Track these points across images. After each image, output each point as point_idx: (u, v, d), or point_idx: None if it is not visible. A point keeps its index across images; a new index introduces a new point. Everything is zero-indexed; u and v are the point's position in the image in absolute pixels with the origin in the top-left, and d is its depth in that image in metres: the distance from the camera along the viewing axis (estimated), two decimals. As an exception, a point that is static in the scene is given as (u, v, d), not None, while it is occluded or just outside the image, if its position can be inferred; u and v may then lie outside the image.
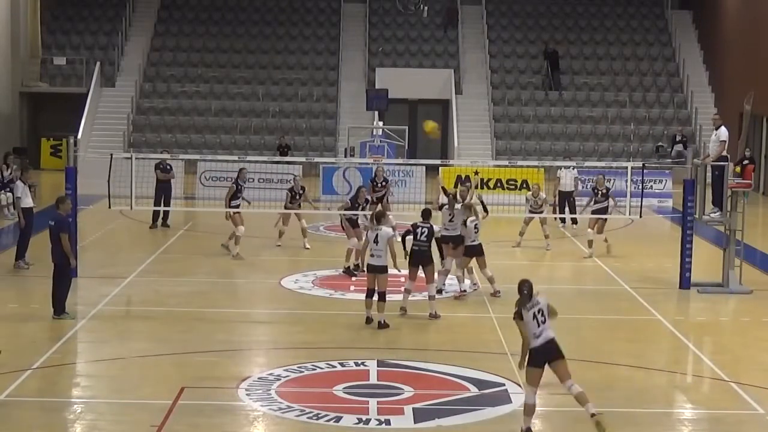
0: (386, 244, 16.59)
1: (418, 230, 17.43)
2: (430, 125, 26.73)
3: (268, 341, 16.37)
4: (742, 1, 41.46)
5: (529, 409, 11.70)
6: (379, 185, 24.09)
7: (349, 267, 20.90)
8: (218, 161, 32.75)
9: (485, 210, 20.18)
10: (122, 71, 43.39)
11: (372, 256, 16.66)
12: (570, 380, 11.54)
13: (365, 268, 16.78)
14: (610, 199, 23.30)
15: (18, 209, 21.31)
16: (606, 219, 23.39)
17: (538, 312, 11.55)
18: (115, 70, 43.18)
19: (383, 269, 16.56)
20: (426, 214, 17.69)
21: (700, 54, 44.80)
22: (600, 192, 23.41)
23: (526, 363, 11.68)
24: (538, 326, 11.52)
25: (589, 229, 23.40)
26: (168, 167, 26.94)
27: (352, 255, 20.94)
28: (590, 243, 23.30)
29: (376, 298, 16.60)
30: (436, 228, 17.86)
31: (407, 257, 17.51)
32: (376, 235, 16.62)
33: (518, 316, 11.67)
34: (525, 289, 11.64)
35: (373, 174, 24.54)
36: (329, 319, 17.41)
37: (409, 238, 17.57)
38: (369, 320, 16.70)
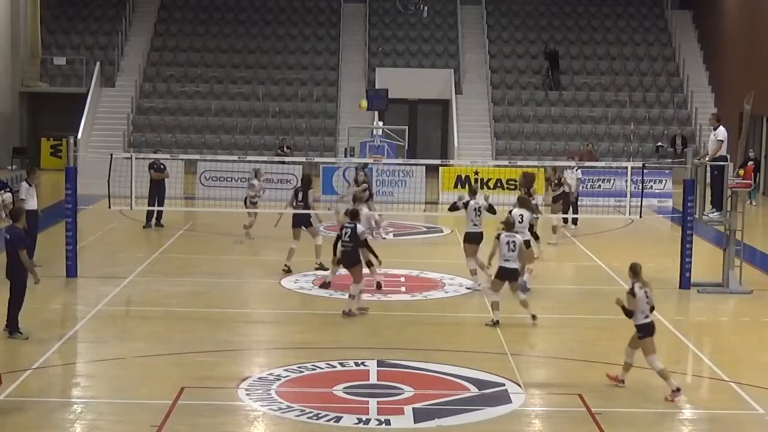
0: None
1: (343, 231, 17.48)
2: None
3: (268, 341, 16.36)
4: (742, 1, 41.44)
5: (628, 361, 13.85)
6: None
7: None
8: (218, 161, 32.78)
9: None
10: (122, 71, 43.38)
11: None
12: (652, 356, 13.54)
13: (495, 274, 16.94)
14: None
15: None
16: None
17: (647, 294, 13.51)
18: (115, 70, 43.17)
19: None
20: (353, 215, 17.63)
21: (700, 54, 44.78)
22: None
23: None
24: (647, 308, 13.54)
25: None
26: (162, 166, 26.93)
27: None
28: None
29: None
30: (359, 228, 17.49)
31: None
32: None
33: (632, 292, 13.47)
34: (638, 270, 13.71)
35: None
36: (329, 319, 17.40)
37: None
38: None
